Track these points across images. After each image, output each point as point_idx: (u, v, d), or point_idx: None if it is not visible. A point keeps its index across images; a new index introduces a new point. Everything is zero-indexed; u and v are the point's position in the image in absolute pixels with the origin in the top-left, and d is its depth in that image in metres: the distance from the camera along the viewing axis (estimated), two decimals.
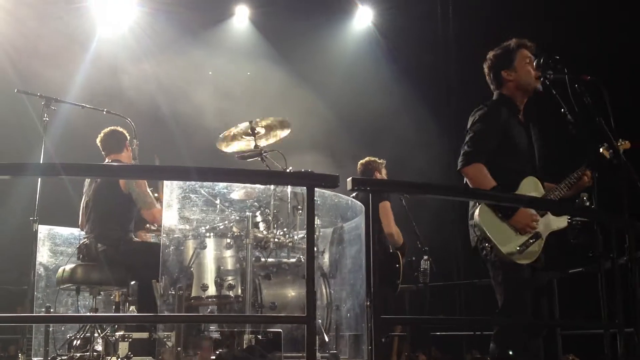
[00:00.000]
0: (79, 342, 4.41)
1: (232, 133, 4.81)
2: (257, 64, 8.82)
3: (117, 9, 8.32)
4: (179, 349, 3.76)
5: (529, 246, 3.52)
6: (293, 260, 4.51)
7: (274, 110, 7.65)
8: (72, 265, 4.53)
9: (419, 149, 8.20)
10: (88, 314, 4.56)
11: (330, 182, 2.63)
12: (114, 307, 4.51)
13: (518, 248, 3.51)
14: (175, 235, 4.30)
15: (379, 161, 5.77)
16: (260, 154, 4.68)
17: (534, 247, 3.54)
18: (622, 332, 3.06)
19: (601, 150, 3.64)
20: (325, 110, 8.71)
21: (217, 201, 4.45)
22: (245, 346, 4.04)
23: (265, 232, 4.38)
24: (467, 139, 3.72)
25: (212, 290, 4.16)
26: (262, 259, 4.38)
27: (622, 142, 3.76)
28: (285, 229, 4.46)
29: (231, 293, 4.17)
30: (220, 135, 4.83)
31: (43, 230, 4.99)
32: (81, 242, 4.70)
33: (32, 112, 6.50)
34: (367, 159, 5.80)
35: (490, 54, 3.90)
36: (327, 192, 4.71)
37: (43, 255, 4.99)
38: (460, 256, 8.65)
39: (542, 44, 3.76)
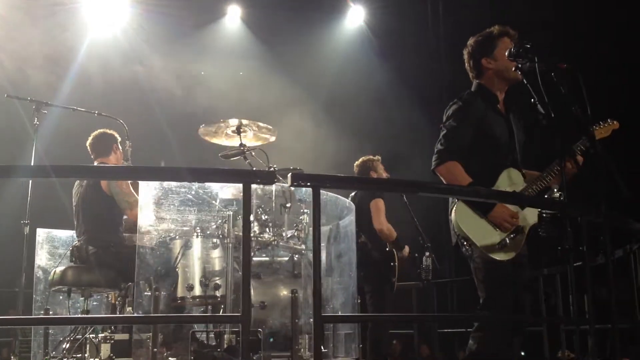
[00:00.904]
0: (67, 344, 4.40)
1: (218, 127, 4.74)
2: (249, 63, 8.82)
3: (108, 10, 8.29)
4: (155, 349, 3.73)
5: (509, 241, 3.43)
6: (284, 259, 4.50)
7: (266, 110, 7.68)
8: (62, 268, 4.52)
9: (411, 148, 8.21)
10: (76, 316, 4.55)
11: (267, 178, 2.58)
12: (110, 309, 4.51)
13: (498, 244, 3.42)
14: (162, 236, 4.29)
15: (375, 158, 5.74)
16: (243, 153, 4.63)
17: (514, 242, 3.44)
18: (592, 328, 2.99)
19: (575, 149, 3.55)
20: (317, 109, 8.71)
21: (205, 201, 4.43)
22: (225, 346, 3.99)
23: (256, 231, 4.36)
24: (440, 136, 3.61)
25: (197, 291, 4.15)
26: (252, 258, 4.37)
27: (611, 123, 3.67)
28: (275, 228, 4.45)
29: (217, 293, 4.15)
30: (204, 126, 4.73)
31: (41, 233, 4.99)
32: (73, 244, 4.69)
33: (24, 116, 6.49)
34: (362, 158, 5.76)
35: (471, 41, 3.77)
36: (329, 193, 4.73)
37: (42, 258, 4.98)
38: (452, 252, 8.67)
39: (524, 34, 3.65)
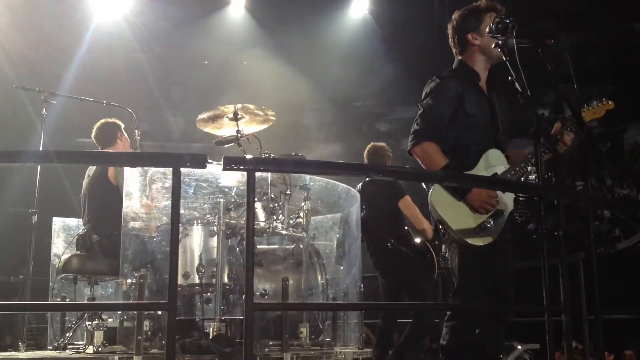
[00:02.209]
0: (70, 332, 4.44)
1: (215, 114, 4.72)
2: (252, 52, 8.80)
3: (112, 1, 8.28)
4: (139, 337, 3.70)
5: (488, 226, 3.26)
6: (285, 247, 4.50)
7: (270, 98, 7.66)
8: (68, 256, 4.55)
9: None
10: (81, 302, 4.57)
11: (198, 162, 2.47)
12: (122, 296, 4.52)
13: (475, 229, 3.26)
14: (158, 223, 4.30)
15: (385, 146, 5.60)
16: (236, 139, 4.61)
17: (493, 226, 3.27)
18: (567, 316, 2.84)
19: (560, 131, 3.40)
20: (320, 97, 8.70)
21: (203, 188, 4.41)
22: (213, 335, 3.94)
23: (261, 219, 4.36)
24: (416, 115, 3.45)
25: (194, 278, 4.15)
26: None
27: (605, 102, 3.53)
28: (274, 215, 4.43)
29: (214, 281, 4.14)
30: (202, 116, 4.69)
31: (57, 222, 5.01)
32: (79, 233, 4.71)
33: (29, 106, 6.50)
34: (373, 145, 5.59)
35: (456, 14, 3.58)
36: (341, 185, 4.73)
37: (58, 246, 4.99)
38: None
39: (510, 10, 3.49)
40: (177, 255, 2.45)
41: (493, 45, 3.23)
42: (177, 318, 3.59)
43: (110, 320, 4.21)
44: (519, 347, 5.03)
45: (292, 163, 3.12)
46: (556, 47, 3.15)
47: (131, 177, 4.23)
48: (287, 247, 4.51)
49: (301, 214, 4.48)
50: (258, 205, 4.42)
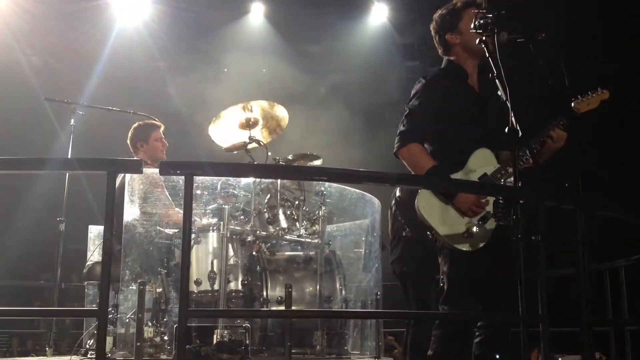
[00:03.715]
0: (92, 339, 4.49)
1: (223, 117, 4.73)
2: (272, 60, 8.83)
3: (133, 7, 8.36)
4: (138, 344, 3.70)
5: (477, 230, 3.13)
6: (304, 253, 4.50)
7: (289, 106, 7.68)
8: (91, 263, 4.62)
9: None
10: None
11: (133, 167, 2.45)
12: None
13: (464, 233, 3.14)
14: (174, 230, 4.34)
15: None
16: (245, 146, 4.64)
17: (482, 230, 3.14)
18: (545, 326, 2.72)
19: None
20: (340, 105, 8.71)
21: (217, 194, 4.44)
22: (215, 342, 3.94)
23: (275, 227, 4.37)
24: (403, 116, 3.38)
25: (205, 285, 4.15)
26: (270, 254, 4.38)
27: (600, 92, 3.37)
28: (288, 222, 4.45)
29: (227, 288, 4.13)
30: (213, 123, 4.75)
31: (93, 230, 5.09)
32: (102, 240, 4.77)
33: (51, 115, 6.59)
34: None
35: (436, 15, 3.51)
36: (353, 189, 4.72)
37: (95, 255, 5.07)
38: None
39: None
40: (110, 261, 2.40)
41: (477, 41, 3.15)
42: (189, 325, 3.59)
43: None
44: (560, 359, 4.96)
45: (230, 167, 3.02)
46: (548, 41, 3.08)
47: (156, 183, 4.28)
48: (302, 253, 4.52)
49: (317, 221, 4.48)
50: (280, 212, 4.44)
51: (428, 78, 3.44)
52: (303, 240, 4.46)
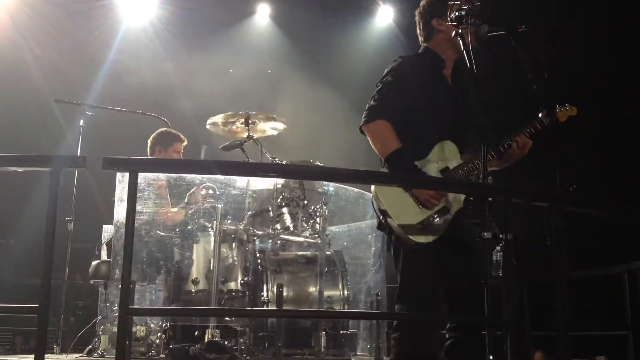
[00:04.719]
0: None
1: (224, 120, 4.76)
2: (278, 61, 8.85)
3: (139, 7, 8.39)
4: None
5: (432, 222, 3.03)
6: (307, 254, 4.52)
7: (295, 108, 7.70)
8: (96, 262, 4.65)
9: None
10: None
11: (77, 163, 2.41)
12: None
13: (419, 224, 3.02)
14: (176, 229, 4.34)
15: None
16: (241, 145, 4.66)
17: (438, 223, 3.03)
18: (508, 328, 2.59)
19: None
20: (345, 107, 8.71)
21: (215, 194, 4.46)
22: (206, 341, 3.95)
23: (275, 227, 4.38)
24: (374, 92, 3.26)
25: (203, 285, 4.16)
26: (274, 254, 4.39)
27: (568, 108, 3.28)
28: (300, 223, 4.46)
29: (224, 287, 4.15)
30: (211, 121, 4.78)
31: (108, 229, 5.11)
32: (106, 240, 4.80)
33: (59, 116, 6.60)
34: None
35: (424, 1, 3.43)
36: (353, 189, 4.73)
37: (102, 254, 5.11)
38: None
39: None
40: (52, 258, 2.36)
41: (453, 34, 3.07)
42: (186, 324, 3.55)
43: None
44: None
45: (174, 163, 2.96)
46: (529, 34, 3.01)
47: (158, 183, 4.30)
48: (304, 253, 4.53)
49: (318, 220, 4.49)
50: (285, 211, 4.46)
51: (405, 57, 3.36)
52: (303, 240, 4.47)
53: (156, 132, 5.24)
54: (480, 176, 2.82)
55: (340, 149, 7.91)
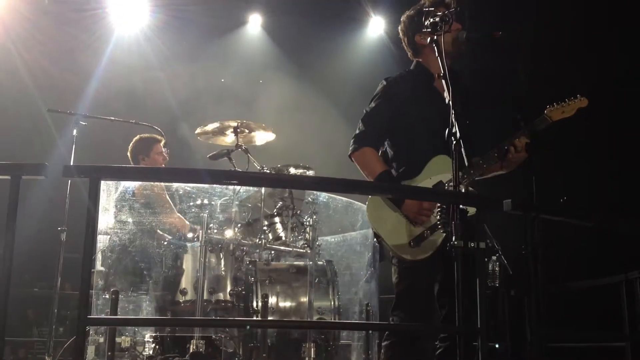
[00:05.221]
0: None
1: (213, 129, 4.77)
2: (269, 71, 8.88)
3: (131, 16, 8.39)
4: (109, 353, 3.73)
5: (424, 239, 3.03)
6: (298, 264, 4.51)
7: (287, 118, 7.72)
8: (92, 272, 4.62)
9: None
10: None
11: (37, 171, 2.35)
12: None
13: (411, 242, 3.03)
14: (164, 240, 4.33)
15: None
16: (229, 153, 4.69)
17: (430, 240, 3.03)
18: (483, 337, 2.54)
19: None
20: (337, 117, 8.74)
21: (204, 203, 4.45)
22: (190, 352, 3.93)
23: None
24: (360, 118, 3.31)
25: (190, 295, 4.15)
26: (264, 263, 4.39)
27: (580, 99, 3.17)
28: (292, 233, 4.46)
29: (212, 298, 4.13)
30: (201, 128, 4.79)
31: (103, 240, 5.05)
32: (101, 249, 4.78)
33: (52, 126, 6.57)
34: None
35: (404, 16, 3.41)
36: (342, 198, 4.73)
37: (97, 264, 5.07)
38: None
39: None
40: (11, 263, 2.32)
41: (428, 41, 3.04)
42: (174, 334, 3.50)
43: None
44: None
45: (136, 171, 2.90)
46: (505, 39, 3.00)
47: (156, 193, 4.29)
48: (294, 264, 4.53)
49: (307, 230, 4.49)
50: (277, 220, 4.46)
51: (389, 79, 3.37)
52: (293, 249, 4.46)
53: (132, 142, 5.23)
54: (456, 184, 2.75)
55: (331, 158, 7.93)
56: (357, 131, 3.30)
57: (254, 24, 9.16)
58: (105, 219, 4.32)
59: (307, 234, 4.46)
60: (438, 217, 2.97)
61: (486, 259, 4.93)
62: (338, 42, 9.22)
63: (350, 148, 3.30)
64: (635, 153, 6.29)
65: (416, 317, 3.08)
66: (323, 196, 4.62)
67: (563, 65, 6.54)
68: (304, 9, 8.62)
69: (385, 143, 3.42)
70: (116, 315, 3.74)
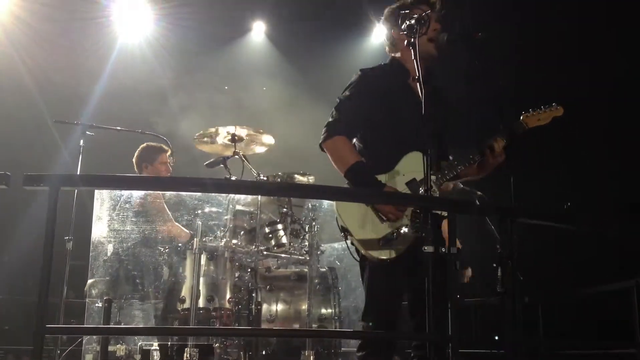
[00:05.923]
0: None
1: (211, 134, 4.76)
2: (272, 79, 8.89)
3: (135, 24, 8.42)
4: None
5: (395, 237, 2.93)
6: (300, 271, 4.51)
7: (289, 125, 7.72)
8: (91, 281, 4.63)
9: None
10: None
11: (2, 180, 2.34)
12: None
13: (381, 239, 2.93)
14: (161, 248, 4.34)
15: None
16: (224, 161, 4.68)
17: (401, 238, 2.94)
18: (454, 343, 2.48)
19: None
20: None
21: (202, 212, 4.45)
22: None
23: (271, 243, 4.38)
24: (334, 107, 3.23)
25: (188, 303, 4.14)
26: (265, 270, 4.38)
27: (555, 108, 3.16)
28: (294, 240, 4.45)
29: (210, 306, 4.13)
30: (198, 136, 4.78)
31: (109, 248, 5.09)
32: (103, 258, 4.79)
33: (56, 134, 6.59)
34: None
35: (386, 11, 3.37)
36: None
37: (98, 272, 5.07)
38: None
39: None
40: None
41: (405, 43, 2.99)
42: (172, 343, 3.51)
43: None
44: None
45: (97, 179, 2.82)
46: (485, 40, 2.96)
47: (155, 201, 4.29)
48: (294, 270, 4.52)
49: (307, 237, 4.48)
50: (280, 227, 4.46)
51: (365, 70, 3.30)
52: (293, 256, 4.45)
53: (138, 149, 5.24)
54: (427, 186, 2.74)
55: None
56: (330, 119, 3.19)
57: (258, 32, 9.18)
58: (100, 228, 4.32)
59: (306, 241, 4.46)
60: (409, 217, 2.92)
61: (494, 265, 4.89)
62: (342, 50, 9.22)
63: (322, 137, 3.18)
64: (635, 153, 6.27)
65: (386, 322, 2.99)
66: (326, 203, 4.60)
67: (551, 69, 6.54)
68: (307, 17, 8.64)
69: None
70: (109, 322, 3.73)
